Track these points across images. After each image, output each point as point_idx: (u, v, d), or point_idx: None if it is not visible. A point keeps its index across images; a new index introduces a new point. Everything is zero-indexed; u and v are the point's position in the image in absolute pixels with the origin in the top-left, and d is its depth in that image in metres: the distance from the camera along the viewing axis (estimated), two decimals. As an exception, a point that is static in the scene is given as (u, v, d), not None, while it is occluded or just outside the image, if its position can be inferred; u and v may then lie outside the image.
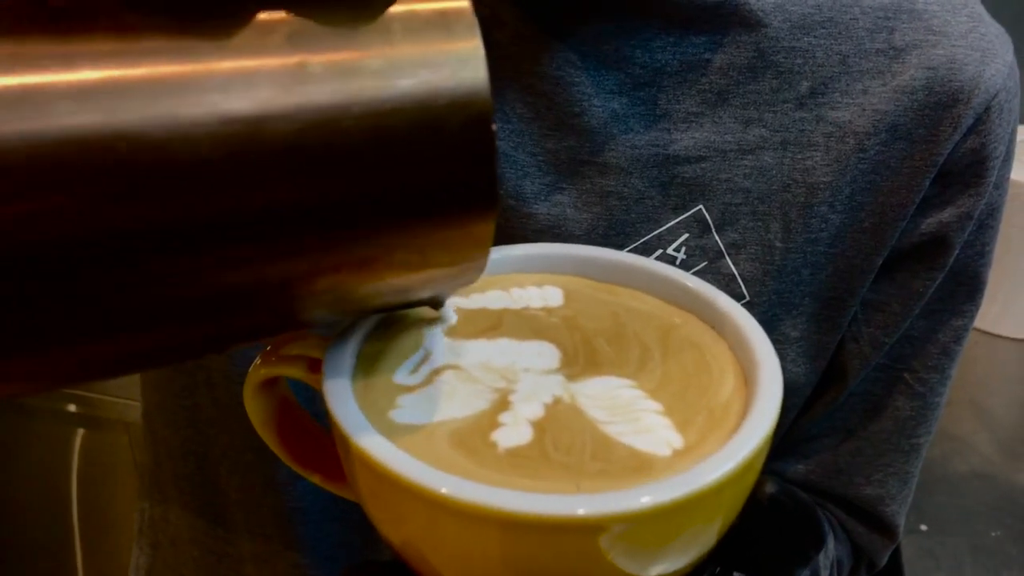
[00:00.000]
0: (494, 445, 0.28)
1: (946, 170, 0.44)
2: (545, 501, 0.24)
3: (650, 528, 0.25)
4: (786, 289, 0.46)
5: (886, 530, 0.52)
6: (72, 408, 1.21)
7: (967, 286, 0.48)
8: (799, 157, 0.44)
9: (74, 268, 0.22)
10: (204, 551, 0.52)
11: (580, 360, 0.32)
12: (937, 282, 0.47)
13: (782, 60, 0.44)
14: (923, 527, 0.88)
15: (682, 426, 0.28)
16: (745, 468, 0.26)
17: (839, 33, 0.44)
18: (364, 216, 0.24)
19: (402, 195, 0.24)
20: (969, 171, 0.45)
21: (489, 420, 0.29)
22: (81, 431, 1.24)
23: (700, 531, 0.27)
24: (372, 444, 0.27)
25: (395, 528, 0.28)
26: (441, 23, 0.24)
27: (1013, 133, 0.46)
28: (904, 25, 0.44)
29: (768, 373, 0.29)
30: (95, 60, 0.21)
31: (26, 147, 0.20)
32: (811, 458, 0.52)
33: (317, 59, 0.23)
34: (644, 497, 0.24)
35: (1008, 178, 0.47)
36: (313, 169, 0.23)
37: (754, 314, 0.45)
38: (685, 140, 0.44)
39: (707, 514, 0.27)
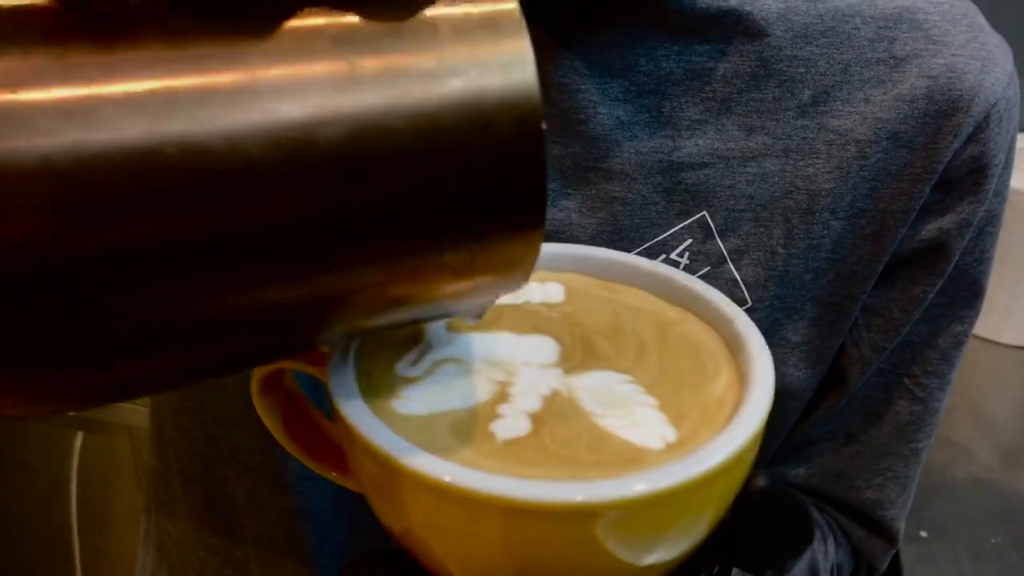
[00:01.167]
0: (493, 436, 0.28)
1: (946, 177, 0.45)
2: (543, 488, 0.25)
3: (643, 516, 0.26)
4: (788, 294, 0.46)
5: (886, 534, 0.53)
6: (71, 411, 1.21)
7: (967, 292, 0.49)
8: (801, 164, 0.45)
9: (124, 279, 0.22)
10: (210, 552, 0.52)
11: (578, 355, 0.32)
12: (937, 288, 0.47)
13: (785, 69, 0.44)
14: (923, 533, 0.89)
15: (676, 420, 0.29)
16: (735, 461, 0.27)
17: (841, 43, 0.44)
18: (415, 219, 0.24)
19: (452, 197, 0.24)
20: (969, 178, 0.45)
21: (489, 412, 0.29)
22: (81, 434, 1.24)
23: (692, 521, 0.28)
24: (376, 433, 0.27)
25: (397, 516, 0.29)
26: (489, 23, 0.24)
27: (1013, 141, 0.47)
28: (905, 35, 0.45)
29: (760, 370, 0.30)
30: (143, 67, 0.21)
31: (76, 155, 0.20)
32: (811, 462, 0.52)
33: (366, 61, 0.22)
34: (638, 485, 0.25)
35: (1008, 186, 0.48)
36: (364, 173, 0.22)
37: (756, 319, 0.46)
38: (689, 147, 0.44)
39: (698, 504, 0.27)
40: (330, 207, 0.23)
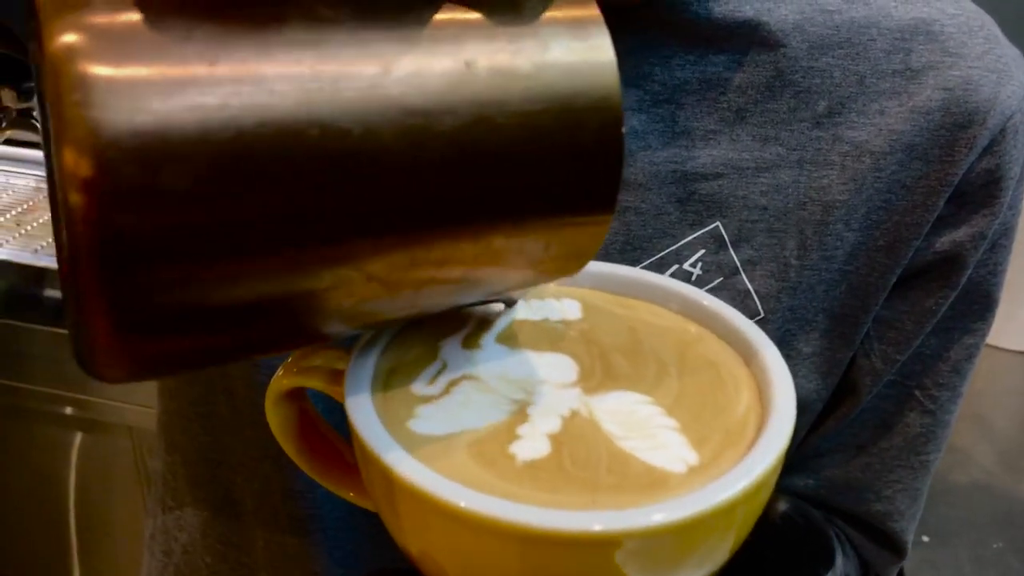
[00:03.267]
0: (512, 457, 0.28)
1: (961, 190, 0.45)
2: (561, 517, 0.25)
3: (663, 545, 0.26)
4: (800, 305, 0.46)
5: (894, 546, 0.53)
6: (70, 411, 1.21)
7: (979, 305, 0.49)
8: (815, 175, 0.45)
9: (254, 247, 0.23)
10: (218, 559, 0.52)
11: (597, 374, 0.32)
12: (950, 300, 0.47)
13: (800, 80, 0.44)
14: (925, 538, 0.89)
15: (698, 443, 0.29)
16: (758, 486, 0.27)
17: (856, 54, 0.44)
18: (508, 207, 0.26)
19: (541, 189, 0.26)
20: (984, 191, 0.45)
21: (507, 432, 0.29)
22: (79, 434, 1.24)
23: (713, 548, 0.27)
24: (392, 456, 0.27)
25: (413, 539, 0.29)
26: (581, 31, 0.26)
27: (1029, 154, 0.46)
28: (921, 47, 0.44)
29: (782, 392, 0.30)
30: (291, 50, 0.23)
31: (231, 128, 0.22)
32: (821, 473, 0.52)
33: (481, 59, 0.25)
34: (658, 514, 0.25)
35: (1022, 199, 0.48)
36: (472, 163, 0.25)
37: (768, 330, 0.45)
38: (703, 157, 0.44)
39: (720, 531, 0.27)
40: (442, 193, 0.25)
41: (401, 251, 0.25)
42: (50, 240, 1.23)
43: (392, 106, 0.23)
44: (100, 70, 0.21)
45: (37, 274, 1.19)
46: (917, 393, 0.50)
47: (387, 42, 0.24)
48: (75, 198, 0.21)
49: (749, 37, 0.43)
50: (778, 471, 0.28)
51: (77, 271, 0.21)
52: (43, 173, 1.42)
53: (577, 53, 0.26)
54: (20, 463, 1.28)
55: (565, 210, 0.27)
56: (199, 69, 0.22)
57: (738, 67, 0.44)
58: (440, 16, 0.25)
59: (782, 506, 0.28)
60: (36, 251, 1.20)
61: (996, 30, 0.46)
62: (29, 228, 1.26)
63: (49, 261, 1.18)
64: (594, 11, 0.26)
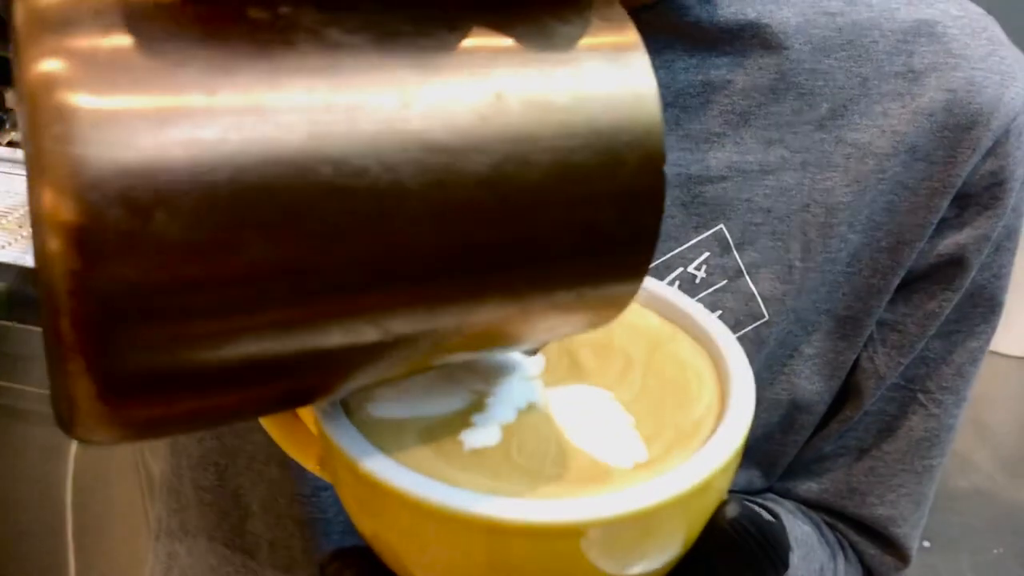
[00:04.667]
0: (460, 444, 0.28)
1: (964, 192, 0.45)
2: (469, 499, 0.25)
3: (603, 539, 0.25)
4: (804, 308, 0.46)
5: (898, 552, 0.52)
6: (70, 415, 1.21)
7: (983, 308, 0.49)
8: (819, 178, 0.44)
9: (260, 300, 0.21)
10: (222, 561, 0.52)
11: (562, 368, 0.32)
12: (953, 303, 0.47)
13: (803, 82, 0.44)
14: (926, 544, 0.89)
15: (649, 439, 0.28)
16: (702, 488, 0.26)
17: (859, 56, 0.44)
18: (541, 254, 0.23)
19: (577, 233, 0.23)
20: (987, 193, 0.45)
21: (461, 420, 0.29)
22: (78, 438, 1.23)
23: (649, 549, 0.27)
24: (339, 432, 0.27)
25: (361, 519, 0.29)
26: (620, 59, 0.24)
27: (1032, 156, 0.46)
28: (924, 48, 0.44)
29: (740, 398, 0.29)
30: (298, 79, 0.20)
31: (231, 166, 0.19)
32: (824, 477, 0.52)
33: (512, 90, 0.22)
34: (598, 506, 0.25)
35: (1026, 201, 0.48)
36: (503, 204, 0.22)
37: (772, 333, 0.45)
38: (707, 160, 0.44)
39: (665, 528, 0.27)
40: (466, 238, 0.22)
41: (421, 303, 0.23)
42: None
43: (413, 141, 0.21)
44: (83, 101, 0.18)
45: (32, 274, 1.19)
46: (921, 397, 0.50)
47: (407, 70, 0.21)
48: (54, 244, 0.18)
49: (752, 40, 0.43)
50: (728, 475, 0.27)
51: (55, 325, 0.19)
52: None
53: (617, 83, 0.23)
54: (17, 465, 1.27)
55: (600, 254, 0.24)
56: (195, 99, 0.19)
57: (741, 70, 0.44)
58: (466, 42, 0.22)
59: (731, 511, 0.28)
60: (29, 251, 1.19)
61: (999, 32, 0.46)
62: (22, 229, 1.26)
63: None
64: (633, 35, 0.24)
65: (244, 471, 0.49)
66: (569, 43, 0.23)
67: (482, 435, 0.28)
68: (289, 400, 0.25)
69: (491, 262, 0.23)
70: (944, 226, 0.45)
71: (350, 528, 0.46)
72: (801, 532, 0.49)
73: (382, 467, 0.26)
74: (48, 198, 0.18)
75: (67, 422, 0.21)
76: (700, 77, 0.44)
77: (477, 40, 0.22)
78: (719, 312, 0.45)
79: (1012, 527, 0.93)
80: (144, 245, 0.19)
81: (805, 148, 0.44)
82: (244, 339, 0.21)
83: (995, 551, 0.90)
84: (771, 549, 0.28)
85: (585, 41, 0.23)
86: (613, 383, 0.31)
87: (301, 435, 0.34)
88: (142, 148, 0.18)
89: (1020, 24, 0.61)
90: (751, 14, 0.43)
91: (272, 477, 0.48)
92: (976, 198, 0.45)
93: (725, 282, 0.45)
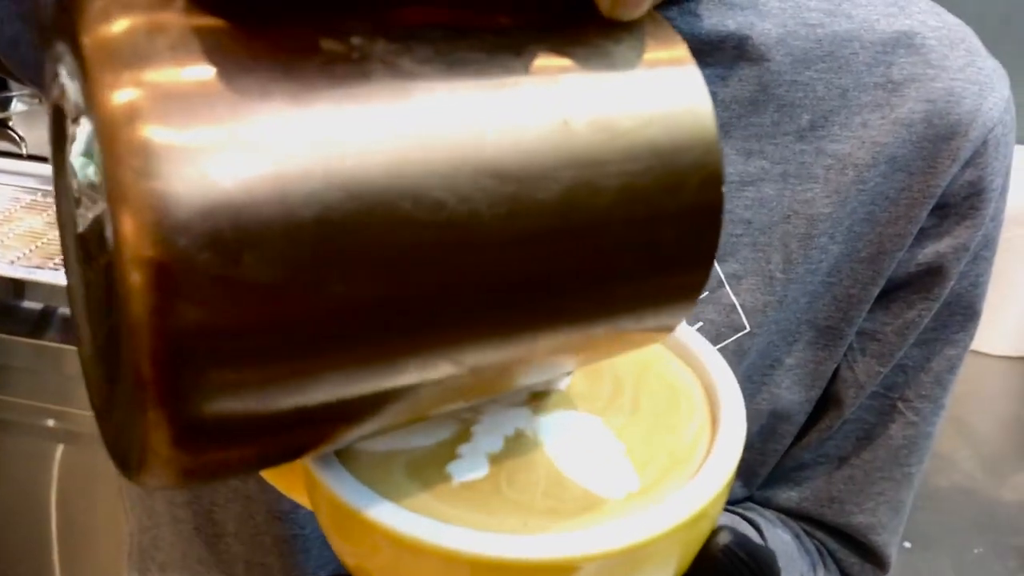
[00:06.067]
0: (449, 477, 0.27)
1: (944, 202, 0.45)
2: (461, 537, 0.24)
3: (598, 572, 0.25)
4: (785, 318, 0.46)
5: (877, 559, 0.53)
6: (51, 423, 1.20)
7: (961, 316, 0.49)
8: (799, 189, 0.45)
9: (339, 342, 0.20)
10: (195, 579, 0.52)
11: (550, 393, 0.31)
12: (932, 312, 0.47)
13: (784, 93, 0.44)
14: (907, 544, 0.89)
15: (641, 467, 0.28)
16: (696, 518, 0.26)
17: (839, 67, 0.44)
18: (605, 276, 0.23)
19: (641, 254, 0.23)
20: (966, 203, 0.45)
21: (448, 451, 0.28)
22: (60, 446, 1.22)
23: (651, 575, 0.27)
24: (324, 469, 0.27)
25: (344, 551, 0.29)
26: (676, 78, 0.23)
27: (1009, 166, 0.47)
28: (903, 59, 0.44)
29: (731, 424, 0.29)
30: (376, 110, 0.20)
31: (317, 205, 0.18)
32: (803, 486, 0.52)
33: (578, 116, 0.22)
34: (589, 542, 0.24)
35: (1004, 211, 0.48)
36: (572, 232, 0.22)
37: (754, 344, 0.46)
38: None
39: (658, 560, 0.26)
40: (537, 267, 0.22)
41: (492, 335, 0.22)
42: (29, 251, 1.21)
43: (486, 171, 0.20)
44: (166, 135, 0.18)
45: (15, 285, 1.18)
46: (900, 405, 0.50)
47: (479, 99, 0.21)
48: (136, 279, 0.17)
49: (733, 52, 0.43)
50: (721, 502, 0.27)
51: (134, 362, 0.18)
52: (20, 183, 1.40)
53: (675, 102, 0.23)
54: (1, 476, 1.26)
55: (662, 274, 0.24)
56: (279, 134, 0.18)
57: (722, 82, 0.44)
58: (531, 68, 0.22)
59: (724, 539, 0.28)
60: (13, 262, 1.18)
61: (977, 42, 0.46)
62: (6, 239, 1.24)
63: (26, 272, 1.16)
64: (684, 51, 0.24)
65: (219, 488, 0.49)
66: (626, 64, 0.23)
67: (470, 467, 0.28)
68: (348, 435, 0.25)
69: (558, 288, 0.23)
70: (923, 236, 0.46)
71: (327, 545, 0.45)
72: (781, 542, 0.49)
73: (367, 503, 0.25)
74: (130, 231, 0.17)
75: (131, 465, 0.21)
76: None
77: (541, 65, 0.22)
78: (699, 324, 0.45)
79: (993, 526, 0.94)
80: (232, 288, 0.18)
81: (785, 159, 0.44)
82: (325, 379, 0.20)
83: (976, 550, 0.90)
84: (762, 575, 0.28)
85: (640, 61, 0.23)
86: (603, 408, 0.30)
87: (287, 466, 0.34)
88: (229, 186, 0.18)
89: (997, 34, 0.62)
90: (732, 26, 0.43)
91: (248, 494, 0.47)
92: (955, 208, 0.45)
93: (706, 293, 0.45)
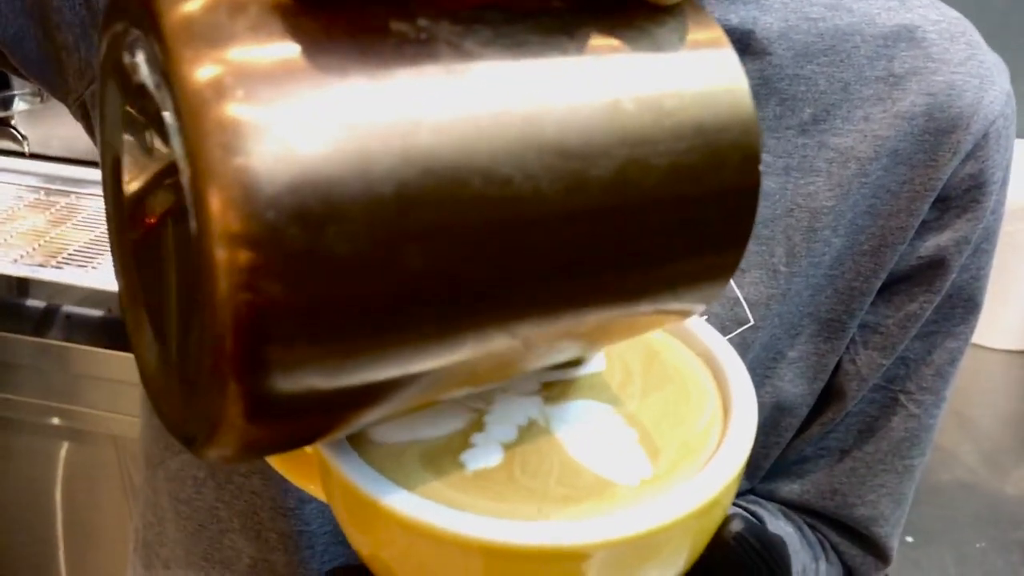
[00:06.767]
0: (463, 466, 0.28)
1: (945, 195, 0.45)
2: (476, 524, 0.24)
3: (609, 560, 0.25)
4: (788, 311, 0.46)
5: (879, 552, 0.53)
6: (56, 421, 1.20)
7: (962, 308, 0.49)
8: (802, 182, 0.45)
9: (410, 316, 0.21)
10: (199, 574, 0.52)
11: (561, 382, 0.31)
12: (934, 305, 0.48)
13: (786, 87, 0.44)
14: (909, 538, 0.89)
15: (654, 455, 0.28)
16: (709, 505, 0.26)
17: (841, 61, 0.44)
18: (650, 253, 0.24)
19: (683, 231, 0.24)
20: (967, 196, 0.45)
21: (461, 441, 0.29)
22: (65, 444, 1.23)
23: (656, 566, 0.27)
24: (340, 458, 0.27)
25: (359, 540, 0.29)
26: (715, 59, 0.24)
27: (1010, 159, 0.47)
28: (904, 53, 0.45)
29: (743, 411, 0.29)
30: (447, 89, 0.20)
31: (395, 182, 0.19)
32: (805, 478, 0.52)
33: (629, 96, 0.22)
34: (603, 529, 0.24)
35: (1004, 204, 0.48)
36: (625, 210, 0.23)
37: (758, 337, 0.46)
38: None
39: (671, 547, 0.27)
40: (592, 242, 0.23)
41: (548, 309, 0.23)
42: (32, 249, 1.22)
43: (549, 149, 0.21)
44: (251, 112, 0.18)
45: (19, 283, 1.18)
46: (901, 397, 0.50)
47: (537, 78, 0.21)
48: (222, 255, 0.18)
49: (736, 46, 0.43)
50: (733, 490, 0.27)
51: (215, 337, 0.18)
52: (23, 182, 1.41)
53: (715, 82, 0.24)
54: (6, 474, 1.27)
55: (701, 252, 0.25)
56: (360, 111, 0.19)
57: None
58: (584, 49, 0.22)
59: (736, 526, 0.28)
60: (16, 260, 1.18)
61: (977, 36, 0.46)
62: (9, 238, 1.25)
63: (29, 271, 1.17)
64: (720, 33, 0.25)
65: (224, 484, 0.49)
66: (670, 46, 0.24)
67: (483, 456, 0.28)
68: (403, 409, 0.25)
69: (607, 264, 0.23)
70: (925, 229, 0.46)
71: (335, 541, 0.46)
72: (784, 534, 0.49)
73: (383, 491, 0.26)
74: (217, 207, 0.17)
75: (198, 438, 0.21)
76: None
77: (593, 47, 0.23)
78: (704, 318, 0.45)
79: (995, 520, 0.94)
80: (315, 263, 0.18)
81: (788, 153, 0.45)
82: (393, 353, 0.21)
83: (978, 544, 0.90)
84: (774, 564, 0.28)
85: (683, 44, 0.24)
86: (613, 397, 0.31)
87: (300, 459, 0.35)
88: (315, 161, 0.18)
89: (998, 29, 0.62)
90: (735, 20, 0.43)
91: (253, 489, 0.48)
92: (956, 201, 0.45)
93: None
